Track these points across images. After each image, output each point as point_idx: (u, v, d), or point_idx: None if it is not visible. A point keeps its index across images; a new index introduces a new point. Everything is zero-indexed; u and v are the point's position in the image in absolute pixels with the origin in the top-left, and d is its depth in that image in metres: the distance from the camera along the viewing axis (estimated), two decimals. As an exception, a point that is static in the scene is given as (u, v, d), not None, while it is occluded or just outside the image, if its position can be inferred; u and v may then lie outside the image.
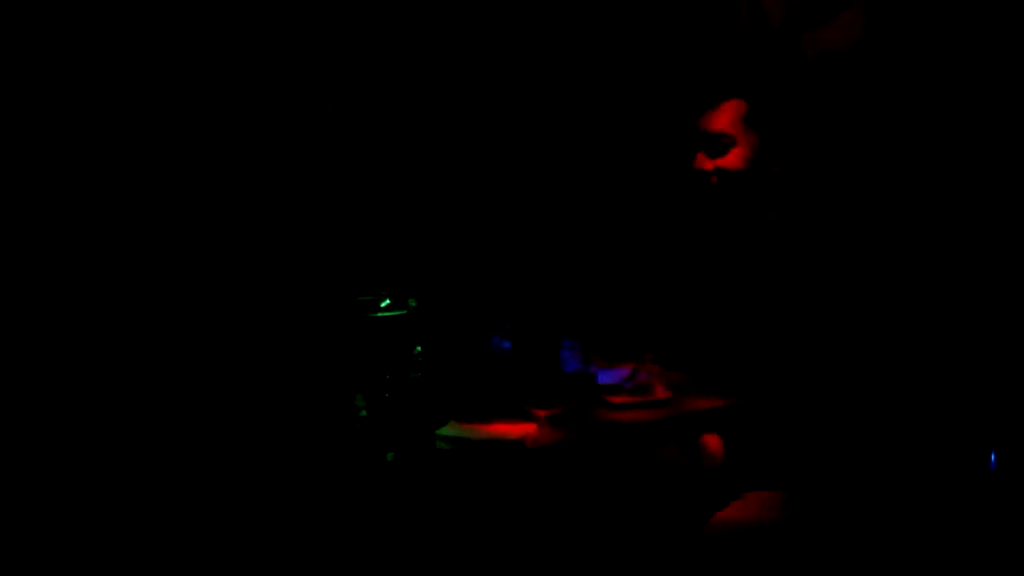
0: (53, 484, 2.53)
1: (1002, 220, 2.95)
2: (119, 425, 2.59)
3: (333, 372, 2.65)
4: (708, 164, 2.62)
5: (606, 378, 2.74)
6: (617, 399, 2.68)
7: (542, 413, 2.60)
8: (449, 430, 2.56)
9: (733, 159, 2.61)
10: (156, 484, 2.51)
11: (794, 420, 2.62)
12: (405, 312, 2.72)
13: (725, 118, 2.60)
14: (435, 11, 3.22)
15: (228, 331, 2.78)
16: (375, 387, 2.61)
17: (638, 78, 3.58)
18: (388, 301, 2.72)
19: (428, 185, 3.14)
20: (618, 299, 3.13)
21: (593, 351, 2.76)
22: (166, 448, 2.56)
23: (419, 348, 2.69)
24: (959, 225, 3.02)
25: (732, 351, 2.81)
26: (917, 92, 3.26)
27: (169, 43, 2.87)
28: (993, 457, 2.36)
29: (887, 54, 3.36)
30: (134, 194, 2.83)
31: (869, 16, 3.48)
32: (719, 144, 2.60)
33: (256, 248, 2.92)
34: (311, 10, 3.04)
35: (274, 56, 3.05)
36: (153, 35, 2.84)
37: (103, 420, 2.64)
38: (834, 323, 2.56)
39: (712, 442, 2.68)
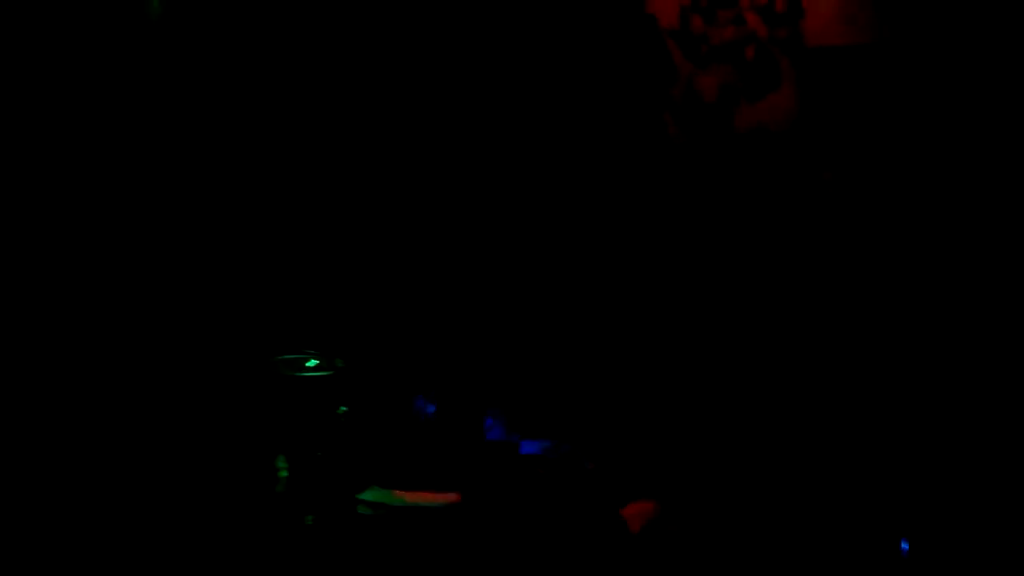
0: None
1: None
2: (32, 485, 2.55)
3: (255, 432, 2.62)
4: None
5: (529, 448, 2.74)
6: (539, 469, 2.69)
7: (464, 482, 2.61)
8: (370, 495, 2.55)
9: None
10: (71, 547, 2.46)
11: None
12: (331, 373, 2.71)
13: None
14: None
15: (146, 388, 2.75)
16: (297, 448, 2.60)
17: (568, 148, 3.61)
18: (314, 361, 2.71)
19: (357, 245, 3.13)
20: (544, 371, 3.14)
21: (517, 422, 2.76)
22: (73, 516, 2.51)
23: (343, 409, 2.68)
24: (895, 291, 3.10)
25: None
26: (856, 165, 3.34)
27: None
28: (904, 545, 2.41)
29: (820, 130, 3.44)
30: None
31: (800, 95, 3.55)
32: None
33: (179, 305, 2.88)
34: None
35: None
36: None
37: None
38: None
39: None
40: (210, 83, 3.03)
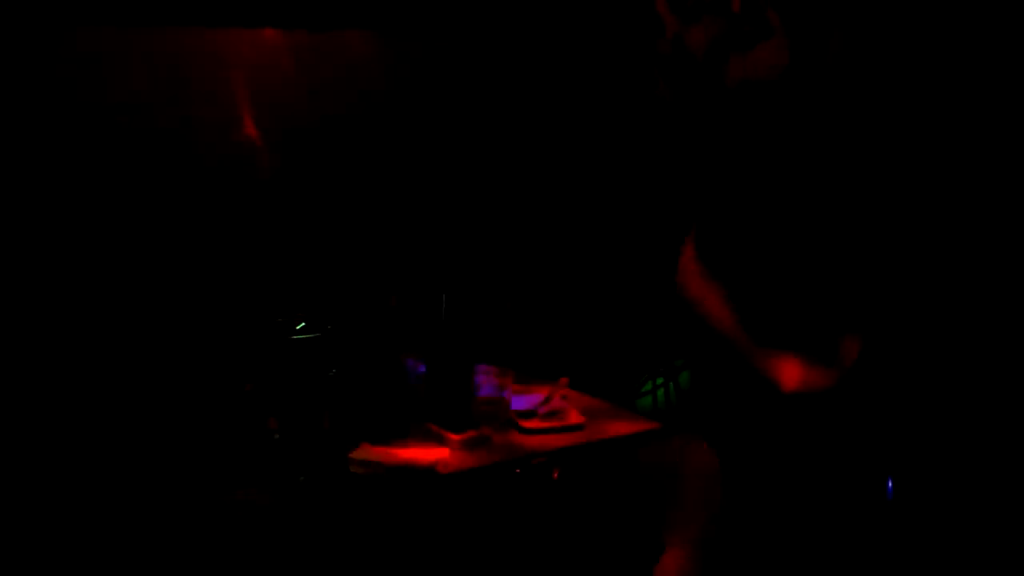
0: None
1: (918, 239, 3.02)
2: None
3: (246, 393, 2.64)
4: None
5: (520, 403, 2.75)
6: (530, 424, 2.70)
7: (455, 437, 2.61)
8: (361, 454, 2.56)
9: None
10: (62, 510, 2.48)
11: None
12: (321, 334, 2.72)
13: None
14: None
15: (139, 348, 2.76)
16: (289, 409, 2.61)
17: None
18: (304, 324, 2.72)
19: (343, 206, 3.13)
20: (534, 323, 3.15)
21: (508, 375, 2.77)
22: (62, 480, 2.53)
23: (334, 370, 2.69)
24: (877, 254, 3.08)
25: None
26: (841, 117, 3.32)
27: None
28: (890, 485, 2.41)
29: (809, 81, 3.42)
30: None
31: (792, 46, 3.53)
32: None
33: (169, 266, 2.89)
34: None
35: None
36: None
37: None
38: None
39: None
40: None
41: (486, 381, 2.74)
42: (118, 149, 2.86)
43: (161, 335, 2.80)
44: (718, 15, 3.60)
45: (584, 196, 3.48)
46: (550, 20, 3.62)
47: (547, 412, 2.73)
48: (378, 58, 3.24)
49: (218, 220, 2.95)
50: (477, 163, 3.35)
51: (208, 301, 2.88)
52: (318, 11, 3.14)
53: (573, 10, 3.65)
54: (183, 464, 2.56)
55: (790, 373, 2.61)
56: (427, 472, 2.51)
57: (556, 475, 2.71)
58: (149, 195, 2.89)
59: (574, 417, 2.73)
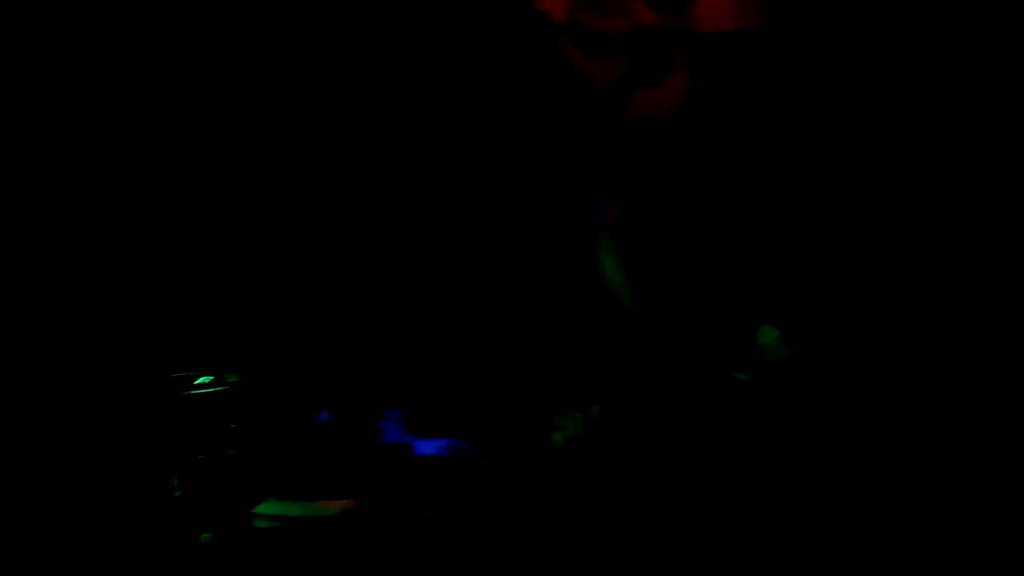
0: None
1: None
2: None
3: (145, 451, 2.61)
4: None
5: (424, 449, 2.75)
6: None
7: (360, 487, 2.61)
8: (267, 508, 2.55)
9: None
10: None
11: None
12: (223, 388, 2.70)
13: None
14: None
15: (29, 405, 2.73)
16: (190, 466, 2.58)
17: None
18: (205, 378, 2.69)
19: (236, 250, 3.11)
20: (436, 364, 3.14)
21: (414, 422, 2.77)
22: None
23: (236, 424, 2.67)
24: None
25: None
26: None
27: None
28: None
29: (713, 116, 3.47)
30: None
31: (693, 82, 3.58)
32: None
33: (56, 319, 2.86)
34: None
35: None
36: None
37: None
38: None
39: None
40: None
41: (391, 428, 2.73)
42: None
43: (56, 392, 2.76)
44: (623, 53, 3.64)
45: (488, 233, 3.48)
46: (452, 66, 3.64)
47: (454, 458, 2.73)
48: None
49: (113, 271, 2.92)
50: (383, 201, 3.35)
51: (105, 356, 2.84)
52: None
53: (483, 47, 3.68)
54: (83, 524, 2.53)
55: None
56: (333, 521, 2.51)
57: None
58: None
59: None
